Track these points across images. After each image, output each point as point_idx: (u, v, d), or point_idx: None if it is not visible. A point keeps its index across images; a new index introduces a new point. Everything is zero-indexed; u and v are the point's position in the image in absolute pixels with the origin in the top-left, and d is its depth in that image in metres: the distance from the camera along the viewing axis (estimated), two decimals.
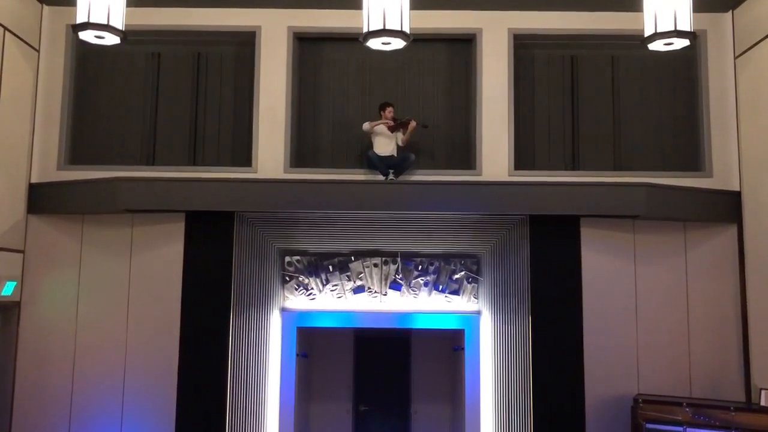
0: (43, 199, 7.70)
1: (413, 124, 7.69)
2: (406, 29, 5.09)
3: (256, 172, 7.84)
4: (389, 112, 7.74)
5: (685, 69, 8.15)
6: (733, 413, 6.69)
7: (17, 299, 7.54)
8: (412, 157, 7.75)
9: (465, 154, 8.13)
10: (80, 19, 5.06)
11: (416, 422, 8.58)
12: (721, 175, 7.82)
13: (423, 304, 7.71)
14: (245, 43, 8.15)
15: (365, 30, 5.08)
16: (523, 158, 8.07)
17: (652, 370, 7.39)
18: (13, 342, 7.53)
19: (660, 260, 7.59)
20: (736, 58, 7.89)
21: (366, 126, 7.72)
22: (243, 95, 8.21)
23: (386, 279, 7.72)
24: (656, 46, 5.26)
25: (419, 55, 8.10)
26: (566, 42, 8.21)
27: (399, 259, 7.69)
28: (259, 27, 8.06)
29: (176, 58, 8.33)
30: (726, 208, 7.67)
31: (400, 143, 7.80)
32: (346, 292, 7.73)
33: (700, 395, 7.32)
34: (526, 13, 8.03)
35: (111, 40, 5.23)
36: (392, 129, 7.73)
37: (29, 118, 7.81)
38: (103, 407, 7.38)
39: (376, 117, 7.83)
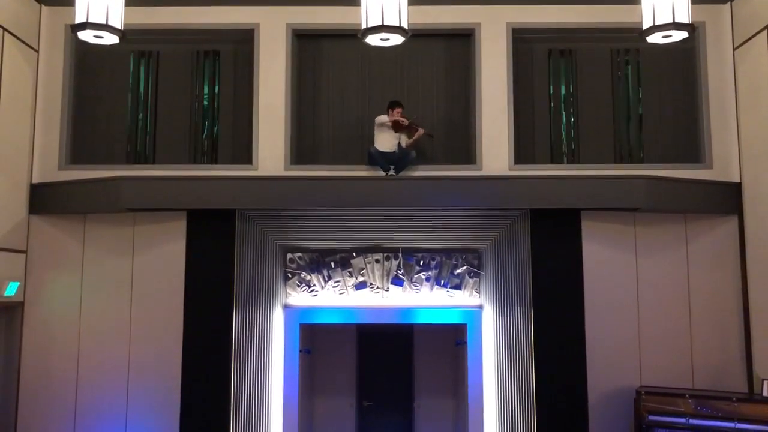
0: (44, 199, 7.72)
1: (420, 131, 7.70)
2: (405, 25, 5.11)
3: (256, 170, 7.85)
4: (398, 112, 7.71)
5: (684, 61, 8.15)
6: (736, 404, 6.71)
7: (20, 299, 7.56)
8: (413, 153, 7.76)
9: (465, 149, 8.14)
10: (79, 18, 5.08)
11: (419, 416, 8.60)
12: (721, 167, 7.81)
13: (425, 299, 7.72)
14: (244, 40, 8.15)
15: (364, 26, 5.09)
16: (523, 152, 8.06)
17: (655, 362, 7.41)
18: (17, 342, 7.56)
19: (661, 252, 7.60)
20: (735, 49, 7.89)
21: (383, 119, 7.66)
22: (243, 93, 8.22)
23: (388, 274, 7.73)
24: (655, 38, 5.27)
25: (418, 50, 8.10)
26: (565, 35, 8.20)
27: (400, 255, 7.70)
28: (258, 24, 8.06)
29: (176, 56, 8.33)
30: (726, 199, 7.67)
31: (403, 144, 7.80)
32: (348, 288, 7.74)
33: (702, 386, 7.34)
34: (524, 7, 8.02)
35: (110, 39, 5.25)
36: (398, 129, 7.73)
37: (30, 118, 7.83)
38: (107, 405, 7.42)
39: (379, 113, 7.82)
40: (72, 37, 7.70)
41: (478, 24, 8.04)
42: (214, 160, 8.21)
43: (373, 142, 7.76)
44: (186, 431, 7.28)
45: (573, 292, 7.43)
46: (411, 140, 7.76)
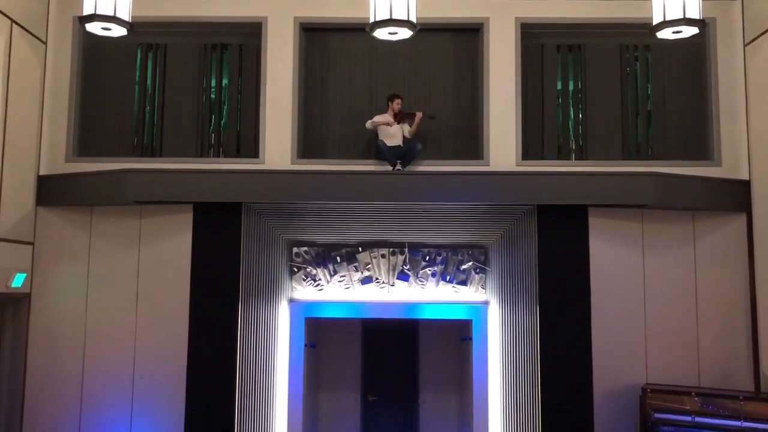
0: (52, 191, 7.74)
1: (419, 115, 7.70)
2: (413, 19, 5.09)
3: (263, 164, 7.85)
4: (397, 103, 7.74)
5: (693, 57, 8.09)
6: (742, 402, 6.69)
7: (27, 291, 7.59)
8: (419, 146, 7.74)
9: (472, 144, 8.12)
10: (87, 10, 5.09)
11: (424, 412, 8.61)
12: (730, 164, 7.76)
13: (430, 295, 7.71)
14: (252, 33, 8.14)
15: (372, 20, 5.08)
16: (530, 148, 8.05)
17: (661, 359, 7.39)
18: (23, 333, 7.59)
19: (668, 250, 7.57)
20: (745, 45, 7.83)
21: (368, 125, 7.72)
22: (250, 86, 8.22)
23: (394, 269, 7.72)
24: (665, 34, 5.23)
25: (426, 44, 8.07)
26: (574, 30, 8.16)
27: (406, 250, 7.69)
28: (266, 17, 8.04)
29: (183, 49, 8.32)
30: (735, 197, 7.63)
31: (406, 134, 7.80)
32: (354, 282, 7.74)
33: (708, 385, 7.32)
34: (533, 1, 7.98)
35: (118, 31, 5.25)
36: (398, 120, 7.73)
37: (37, 110, 7.84)
38: (113, 396, 7.44)
39: (384, 108, 7.82)
40: (80, 29, 7.69)
41: (487, 18, 8.00)
42: (220, 153, 8.21)
43: (379, 136, 7.76)
44: (191, 423, 7.31)
45: (579, 288, 7.41)
46: (413, 127, 7.75)
